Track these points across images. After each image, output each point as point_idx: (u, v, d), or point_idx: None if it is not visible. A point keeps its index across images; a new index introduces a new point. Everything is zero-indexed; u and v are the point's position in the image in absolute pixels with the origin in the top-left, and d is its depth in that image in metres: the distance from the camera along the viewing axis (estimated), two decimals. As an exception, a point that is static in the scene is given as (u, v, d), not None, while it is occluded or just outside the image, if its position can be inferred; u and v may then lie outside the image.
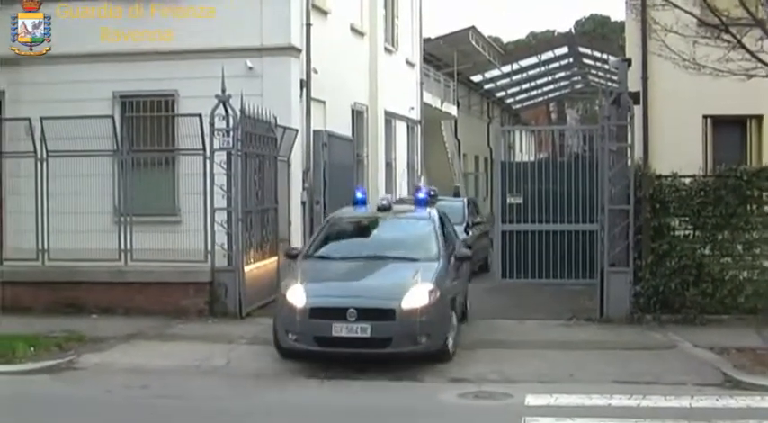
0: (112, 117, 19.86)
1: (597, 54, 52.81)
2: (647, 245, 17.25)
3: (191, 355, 14.65)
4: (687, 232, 17.50)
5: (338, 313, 13.36)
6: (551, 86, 68.30)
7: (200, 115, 18.01)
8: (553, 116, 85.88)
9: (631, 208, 17.17)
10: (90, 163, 19.24)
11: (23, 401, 12.19)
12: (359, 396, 12.34)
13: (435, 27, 53.26)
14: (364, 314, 13.31)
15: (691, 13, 16.25)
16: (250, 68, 20.87)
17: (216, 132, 17.76)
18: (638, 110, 19.01)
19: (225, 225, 17.82)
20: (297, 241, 20.48)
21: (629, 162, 17.63)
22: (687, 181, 17.45)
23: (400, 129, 33.81)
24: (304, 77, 22.18)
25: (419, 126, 36.77)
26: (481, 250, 24.97)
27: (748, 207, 17.39)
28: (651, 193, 17.25)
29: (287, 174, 21.10)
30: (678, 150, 19.29)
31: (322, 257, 15.50)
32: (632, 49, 20.89)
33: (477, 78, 53.72)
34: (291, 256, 16.19)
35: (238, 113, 17.69)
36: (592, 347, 15.21)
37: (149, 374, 13.42)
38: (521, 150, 65.42)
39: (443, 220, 16.86)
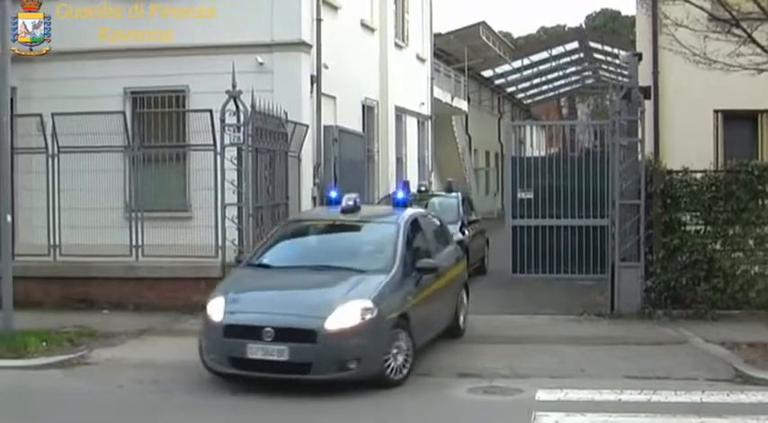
0: (123, 113, 19.92)
1: (608, 49, 52.73)
2: (659, 240, 17.24)
3: (202, 350, 14.69)
4: (698, 227, 17.47)
5: (254, 332, 11.87)
6: (562, 81, 68.19)
7: (210, 111, 18.03)
8: (564, 111, 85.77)
9: (642, 203, 17.14)
10: (101, 159, 19.31)
11: (35, 396, 12.22)
12: (368, 390, 12.34)
13: (446, 22, 53.39)
14: (282, 334, 11.76)
15: (701, 8, 16.22)
16: (261, 64, 20.86)
17: (226, 128, 17.77)
18: (648, 105, 18.96)
19: (236, 220, 17.83)
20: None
21: (639, 157, 17.60)
22: (698, 176, 17.42)
23: (411, 124, 33.80)
24: (314, 73, 22.17)
25: (430, 121, 36.75)
26: (477, 251, 23.59)
27: (759, 202, 17.36)
28: (662, 187, 17.22)
29: (297, 169, 21.10)
30: (689, 145, 19.27)
31: (262, 266, 13.84)
32: (643, 44, 20.87)
33: (487, 73, 53.70)
34: (239, 261, 15.18)
35: (249, 109, 17.69)
36: (602, 343, 15.20)
37: (160, 370, 13.43)
38: (531, 145, 65.37)
39: (418, 225, 14.72)
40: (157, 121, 20.79)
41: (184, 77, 21.04)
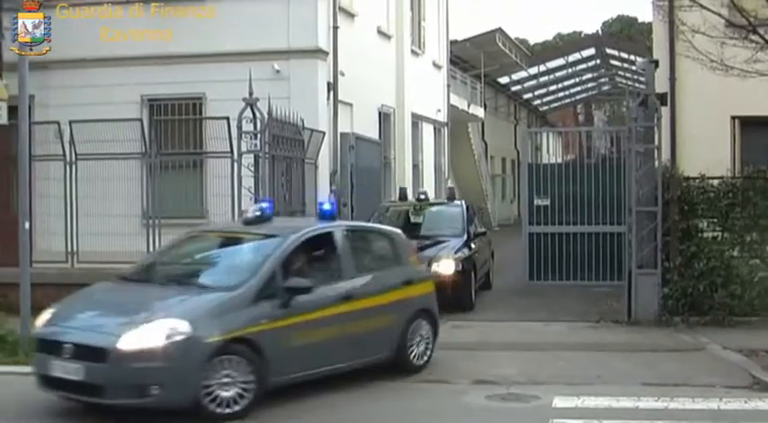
0: (141, 120, 19.98)
1: (624, 55, 52.66)
2: (676, 247, 17.19)
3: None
4: (715, 234, 17.44)
5: (56, 348, 10.95)
6: (578, 88, 68.12)
7: (227, 118, 18.08)
8: (580, 118, 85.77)
9: (659, 210, 17.10)
10: (118, 166, 19.40)
11: (53, 404, 12.22)
12: (385, 399, 12.36)
13: (462, 29, 53.52)
14: (79, 352, 10.73)
15: (718, 14, 16.19)
16: (277, 71, 20.89)
17: (243, 135, 17.78)
18: (665, 111, 18.93)
19: (252, 227, 17.84)
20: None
21: (656, 164, 17.56)
22: (715, 182, 17.39)
23: (427, 131, 33.79)
24: (331, 80, 22.20)
25: (446, 128, 36.75)
26: (483, 266, 21.27)
27: (777, 208, 17.31)
28: (679, 194, 17.19)
29: (314, 176, 21.12)
30: (706, 152, 19.21)
31: (127, 279, 12.85)
32: (659, 51, 20.85)
33: (503, 80, 53.66)
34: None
35: (266, 116, 17.72)
36: (619, 349, 15.17)
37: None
38: (548, 152, 65.18)
39: (321, 241, 12.96)
40: (174, 129, 20.85)
41: (201, 85, 21.10)
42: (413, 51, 31.17)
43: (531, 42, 78.75)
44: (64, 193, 19.33)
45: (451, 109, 37.56)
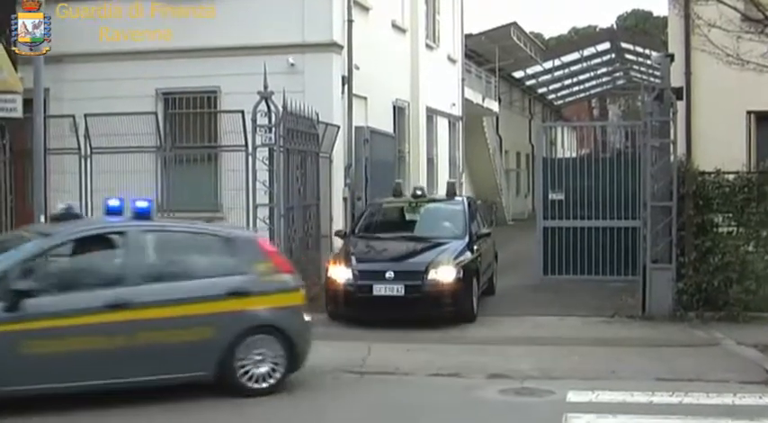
0: (155, 114, 20.00)
1: (639, 50, 52.56)
2: (690, 242, 17.14)
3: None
4: (731, 229, 17.37)
5: None
6: (593, 82, 67.97)
7: (242, 112, 18.10)
8: (595, 112, 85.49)
9: (674, 204, 17.06)
10: (133, 159, 19.42)
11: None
12: (398, 394, 12.37)
13: (477, 23, 53.48)
14: None
15: (734, 8, 16.17)
16: (292, 65, 20.89)
17: (258, 129, 17.79)
18: (680, 106, 18.89)
19: (267, 221, 17.88)
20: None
21: (671, 158, 17.51)
22: (731, 177, 17.32)
23: (442, 125, 33.76)
24: (346, 74, 22.20)
25: (461, 122, 36.71)
26: (487, 270, 19.47)
27: (793, 203, 17.25)
28: (694, 189, 17.13)
29: (329, 170, 21.13)
30: (721, 146, 19.18)
31: None
32: (675, 45, 20.81)
33: (518, 74, 53.59)
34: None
35: (281, 110, 17.73)
36: (634, 344, 15.17)
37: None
38: (562, 146, 65.20)
39: (82, 244, 11.63)
40: (189, 122, 20.91)
41: (216, 78, 21.11)
42: (427, 45, 31.13)
43: (546, 36, 78.51)
44: (79, 186, 19.37)
45: (466, 103, 37.50)
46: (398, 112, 28.03)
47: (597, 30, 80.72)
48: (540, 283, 20.60)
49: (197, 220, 14.44)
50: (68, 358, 10.71)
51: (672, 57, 18.73)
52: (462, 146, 37.21)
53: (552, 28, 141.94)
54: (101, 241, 11.78)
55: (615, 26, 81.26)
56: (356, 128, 22.82)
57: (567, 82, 62.95)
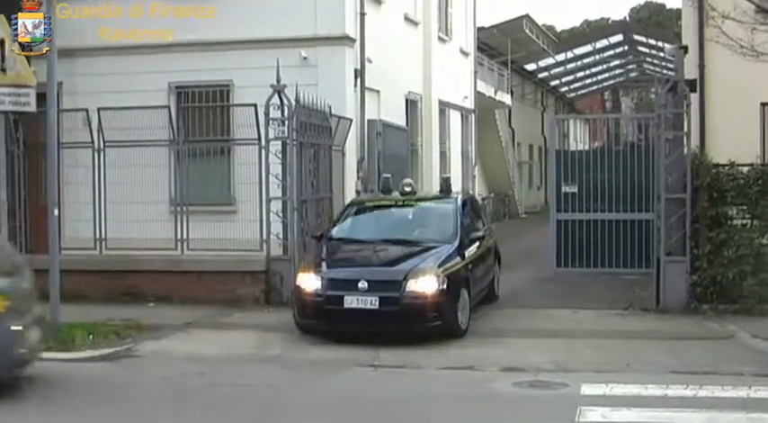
0: (168, 107, 20.00)
1: (652, 42, 52.43)
2: (704, 234, 17.08)
3: (247, 343, 14.81)
4: (745, 221, 17.30)
5: None
6: (606, 75, 67.89)
7: (255, 105, 18.12)
8: (608, 105, 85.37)
9: (688, 197, 16.99)
10: (146, 153, 19.42)
11: (83, 388, 12.31)
12: (410, 384, 12.37)
13: (489, 16, 53.30)
14: None
15: (748, 0, 16.10)
16: (304, 58, 20.88)
17: (271, 122, 17.83)
18: (694, 98, 18.83)
19: (280, 214, 17.91)
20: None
21: (685, 150, 17.46)
22: (745, 169, 17.25)
23: (454, 118, 33.75)
24: (358, 67, 22.19)
25: (473, 115, 36.69)
26: (484, 277, 17.61)
27: (807, 196, 17.18)
28: (708, 181, 17.07)
29: (341, 163, 21.15)
30: (735, 138, 19.12)
31: None
32: (688, 37, 20.75)
33: (531, 67, 53.56)
34: None
35: (293, 103, 17.74)
36: (648, 337, 15.12)
37: (206, 362, 13.51)
38: (575, 139, 65.14)
39: None
40: (202, 116, 20.90)
41: (229, 72, 21.12)
42: (440, 38, 31.11)
43: (559, 29, 78.43)
44: (92, 180, 19.39)
45: (478, 96, 37.49)
46: (411, 105, 28.01)
47: (610, 22, 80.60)
48: (553, 276, 20.57)
49: None
50: None
51: (685, 49, 18.66)
52: (475, 139, 37.19)
53: (564, 20, 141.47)
54: None
55: (628, 18, 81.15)
56: (369, 121, 22.82)
57: (580, 74, 62.92)
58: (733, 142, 18.62)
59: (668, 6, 73.89)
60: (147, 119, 19.14)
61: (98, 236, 19.26)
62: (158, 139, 19.51)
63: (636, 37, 54.43)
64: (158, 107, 19.60)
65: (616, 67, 65.59)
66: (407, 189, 17.45)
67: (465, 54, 35.60)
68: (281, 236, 17.94)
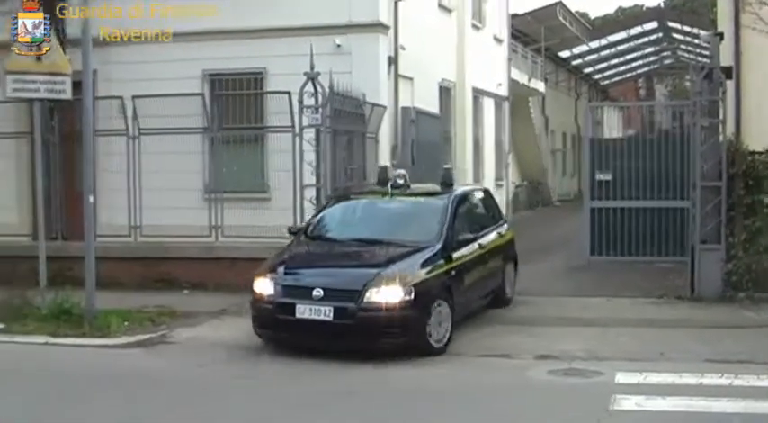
0: (202, 95, 20.06)
1: (687, 29, 52.01)
2: (740, 222, 16.99)
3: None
4: (781, 209, 17.20)
5: None
6: (640, 62, 67.49)
7: (288, 93, 18.12)
8: (641, 92, 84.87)
9: (724, 185, 16.90)
10: (180, 140, 19.49)
11: (118, 375, 12.40)
12: (446, 374, 12.39)
13: (523, 3, 53.02)
14: None
15: (786, -14, 15.99)
16: (338, 46, 20.84)
17: (305, 109, 17.84)
18: (729, 85, 18.67)
19: (314, 202, 17.92)
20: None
21: (720, 138, 17.35)
22: (781, 157, 17.15)
23: (488, 105, 33.66)
24: (392, 54, 22.17)
25: (507, 103, 36.60)
26: (488, 278, 15.86)
27: (844, 183, 17.05)
28: (744, 169, 16.97)
29: (375, 150, 21.13)
30: (771, 126, 18.98)
31: None
32: (724, 23, 20.57)
33: (564, 54, 53.31)
34: None
35: (327, 90, 17.74)
36: (682, 325, 15.07)
37: (241, 349, 13.57)
38: (609, 127, 64.82)
39: None
40: (235, 103, 20.96)
41: (262, 59, 21.09)
42: (473, 25, 31.03)
43: (592, 16, 77.81)
44: (127, 167, 19.49)
45: (512, 83, 37.39)
46: (444, 92, 27.97)
47: (644, 9, 79.99)
48: (586, 264, 20.47)
49: None
50: None
51: (721, 35, 18.51)
52: (508, 126, 37.10)
53: (598, 7, 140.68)
54: None
55: (662, 5, 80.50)
56: (402, 108, 22.80)
57: (614, 62, 62.58)
58: (769, 129, 18.49)
59: (703, -7, 73.28)
60: (181, 107, 19.19)
61: (133, 223, 19.37)
62: (192, 126, 19.57)
63: (670, 24, 54.03)
64: (193, 94, 19.67)
65: (650, 54, 65.18)
66: (400, 181, 15.67)
67: (499, 41, 35.50)
68: (314, 223, 17.96)
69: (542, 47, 45.40)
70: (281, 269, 13.74)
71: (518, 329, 14.71)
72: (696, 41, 49.08)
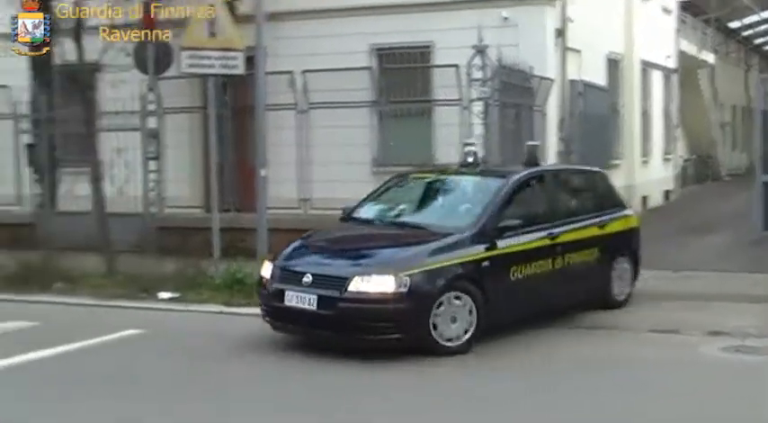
0: (371, 69, 20.22)
1: None
2: None
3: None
4: None
5: None
6: (815, 32, 65.47)
7: (456, 66, 18.15)
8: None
9: None
10: (349, 114, 19.72)
11: (290, 344, 12.56)
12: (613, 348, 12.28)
13: (691, -28, 51.94)
14: None
15: None
16: (505, 18, 20.74)
17: (472, 82, 17.85)
18: None
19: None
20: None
21: None
22: None
23: (656, 78, 33.07)
24: (559, 26, 21.99)
25: (676, 75, 35.91)
26: (575, 275, 13.45)
27: None
28: None
29: (543, 124, 21.01)
30: None
31: None
32: None
33: (734, 24, 51.97)
34: None
35: (495, 63, 17.71)
36: None
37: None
38: (780, 99, 62.99)
39: None
40: (402, 77, 21.07)
41: (429, 33, 21.15)
42: (642, -4, 30.54)
43: (765, -16, 75.93)
44: (296, 141, 19.80)
45: (681, 55, 36.66)
46: (612, 65, 27.60)
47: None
48: (758, 239, 20.04)
49: None
50: None
51: None
52: (677, 99, 36.42)
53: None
54: None
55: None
56: (570, 81, 22.60)
57: (787, 32, 60.81)
58: None
59: None
60: (349, 81, 19.43)
61: (302, 196, 19.67)
62: (360, 100, 19.76)
63: None
64: (361, 68, 19.90)
65: (826, 23, 63.13)
66: (469, 159, 14.21)
67: (667, 12, 34.82)
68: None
69: (711, 17, 44.39)
70: (285, 252, 12.73)
71: (684, 305, 14.50)
72: None
